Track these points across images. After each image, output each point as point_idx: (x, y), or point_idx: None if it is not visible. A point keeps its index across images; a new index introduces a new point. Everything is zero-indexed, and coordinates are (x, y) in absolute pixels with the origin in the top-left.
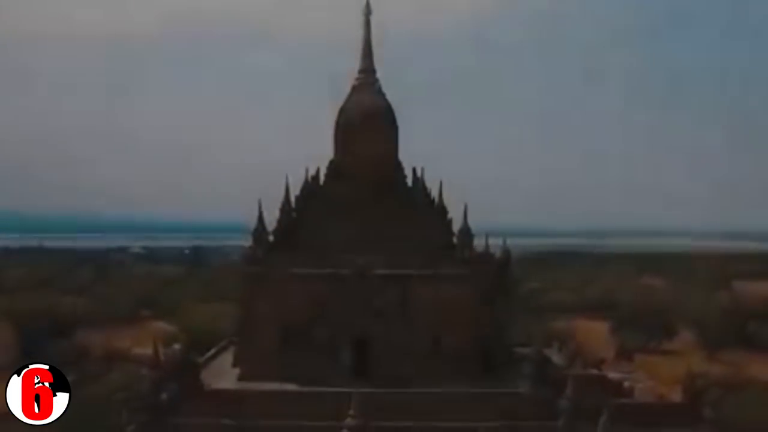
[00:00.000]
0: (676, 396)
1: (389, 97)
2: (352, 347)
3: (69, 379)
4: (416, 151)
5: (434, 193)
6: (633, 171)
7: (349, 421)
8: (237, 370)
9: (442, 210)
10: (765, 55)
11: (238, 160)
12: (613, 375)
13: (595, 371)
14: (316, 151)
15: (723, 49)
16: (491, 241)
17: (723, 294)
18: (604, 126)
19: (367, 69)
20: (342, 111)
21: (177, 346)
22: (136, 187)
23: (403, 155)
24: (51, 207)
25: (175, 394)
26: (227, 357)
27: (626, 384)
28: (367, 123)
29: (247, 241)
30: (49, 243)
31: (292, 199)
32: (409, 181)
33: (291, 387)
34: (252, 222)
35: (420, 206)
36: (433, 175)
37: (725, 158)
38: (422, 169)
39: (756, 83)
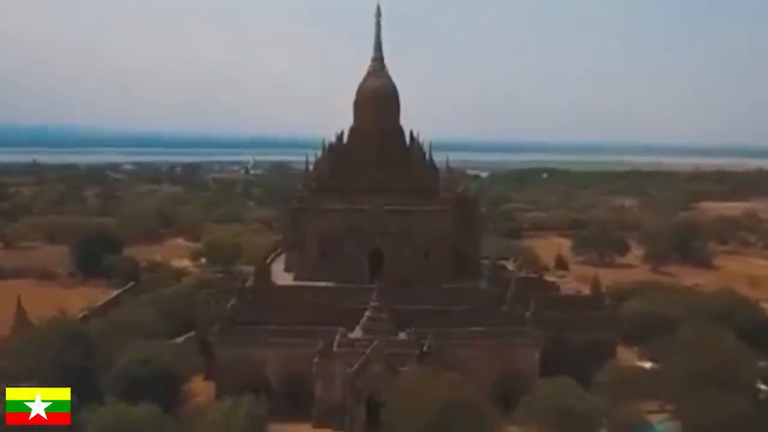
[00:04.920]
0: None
1: None
2: (370, 258)
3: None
4: None
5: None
6: (626, 86)
7: (372, 304)
8: (290, 274)
9: (431, 163)
10: None
11: (221, 75)
12: (549, 278)
13: (534, 275)
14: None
15: None
16: (484, 157)
17: (684, 214)
18: (597, 42)
19: (378, 58)
20: (358, 91)
21: (203, 260)
22: (120, 101)
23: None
24: (37, 120)
25: (254, 288)
26: (278, 265)
27: (556, 284)
28: (376, 100)
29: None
30: (40, 158)
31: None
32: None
33: (330, 284)
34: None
35: (415, 160)
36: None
37: (717, 75)
38: (418, 133)
39: None
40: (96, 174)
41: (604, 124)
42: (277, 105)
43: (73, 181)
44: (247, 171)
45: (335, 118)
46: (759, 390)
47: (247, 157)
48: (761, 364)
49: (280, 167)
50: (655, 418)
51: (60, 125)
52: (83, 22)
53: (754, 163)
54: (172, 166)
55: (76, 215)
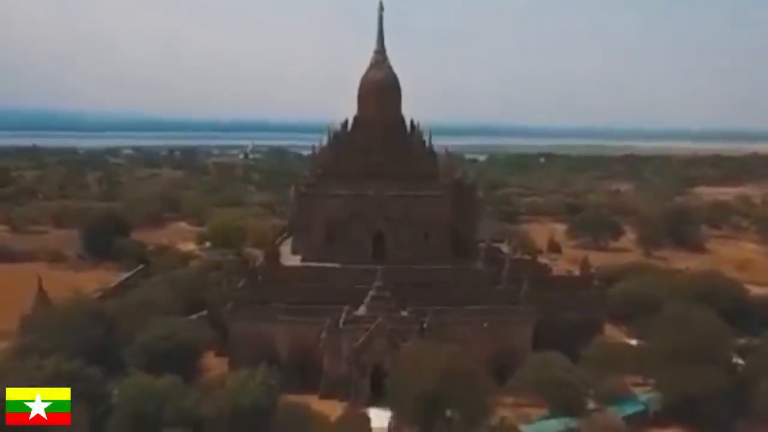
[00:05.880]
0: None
1: None
2: (373, 241)
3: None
4: None
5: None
6: (625, 71)
7: (375, 283)
8: (297, 256)
9: (431, 150)
10: None
11: (217, 62)
12: (541, 260)
13: (527, 257)
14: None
15: None
16: (483, 141)
17: (679, 199)
18: (596, 28)
19: (381, 51)
20: (362, 82)
21: (208, 244)
22: (117, 84)
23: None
24: (36, 104)
25: (265, 269)
26: (286, 248)
27: (548, 266)
28: (379, 91)
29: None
30: (39, 142)
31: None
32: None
33: (335, 265)
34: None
35: (416, 147)
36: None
37: (716, 61)
38: (418, 122)
39: None
40: (96, 158)
41: (602, 109)
42: (276, 92)
43: (74, 165)
44: (245, 155)
45: (334, 106)
46: (736, 364)
47: (246, 142)
48: (740, 341)
49: (279, 152)
50: (638, 390)
51: (60, 109)
52: (83, 7)
53: (750, 148)
54: (171, 150)
55: (80, 200)
